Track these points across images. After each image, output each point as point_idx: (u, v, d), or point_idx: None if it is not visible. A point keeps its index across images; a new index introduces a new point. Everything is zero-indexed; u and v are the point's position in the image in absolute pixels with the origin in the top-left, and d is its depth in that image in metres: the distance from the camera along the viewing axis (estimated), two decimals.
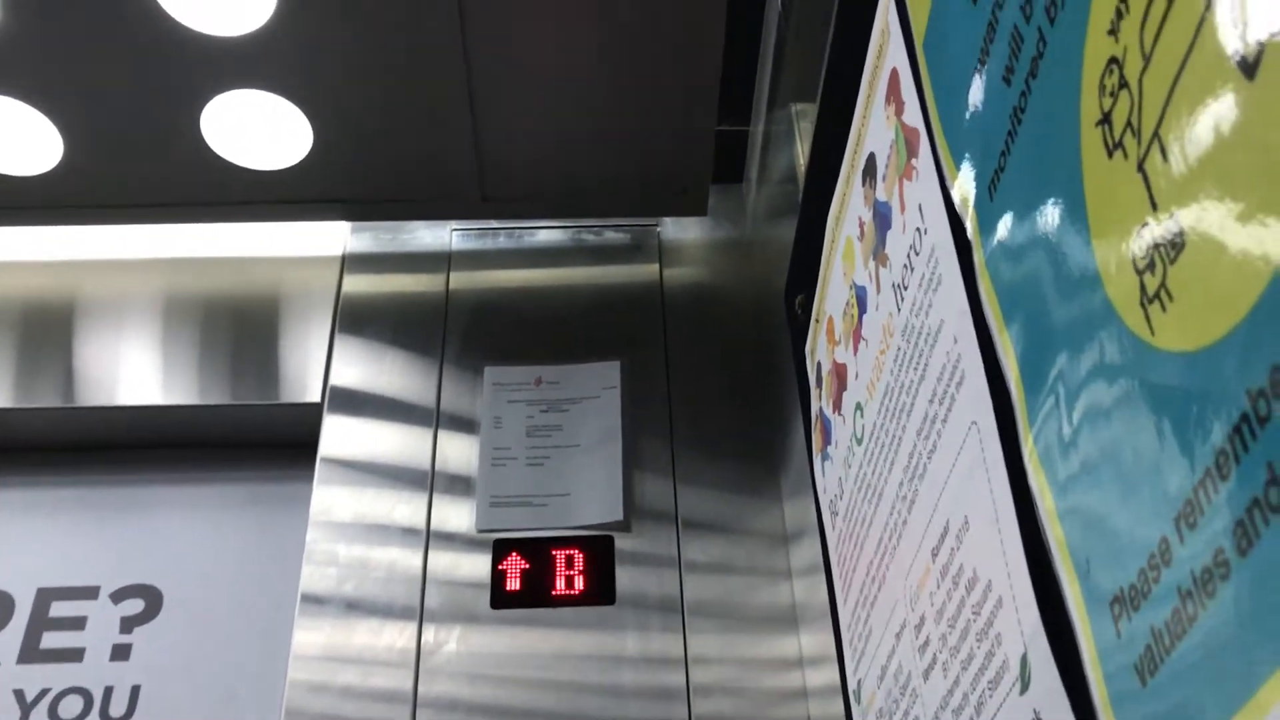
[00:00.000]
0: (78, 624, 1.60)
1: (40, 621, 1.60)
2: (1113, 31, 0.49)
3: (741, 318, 1.81)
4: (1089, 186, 0.52)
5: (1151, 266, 0.46)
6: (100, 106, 1.53)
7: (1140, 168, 0.47)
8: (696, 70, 1.54)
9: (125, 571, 1.65)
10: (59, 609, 1.61)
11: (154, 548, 1.67)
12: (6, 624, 1.60)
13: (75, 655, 1.58)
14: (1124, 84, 0.48)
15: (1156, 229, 0.45)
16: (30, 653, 1.58)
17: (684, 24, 1.48)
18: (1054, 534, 0.55)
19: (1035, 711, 0.58)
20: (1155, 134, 0.46)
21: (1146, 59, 0.46)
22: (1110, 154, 0.50)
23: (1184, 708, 0.44)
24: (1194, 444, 0.43)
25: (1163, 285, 0.45)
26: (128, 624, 1.61)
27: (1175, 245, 0.44)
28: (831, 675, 1.14)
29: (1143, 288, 0.47)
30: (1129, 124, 0.48)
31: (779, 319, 1.47)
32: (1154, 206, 0.46)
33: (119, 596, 1.63)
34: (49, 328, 1.78)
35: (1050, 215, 0.56)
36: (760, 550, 1.59)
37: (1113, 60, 0.49)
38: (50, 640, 1.59)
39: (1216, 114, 0.41)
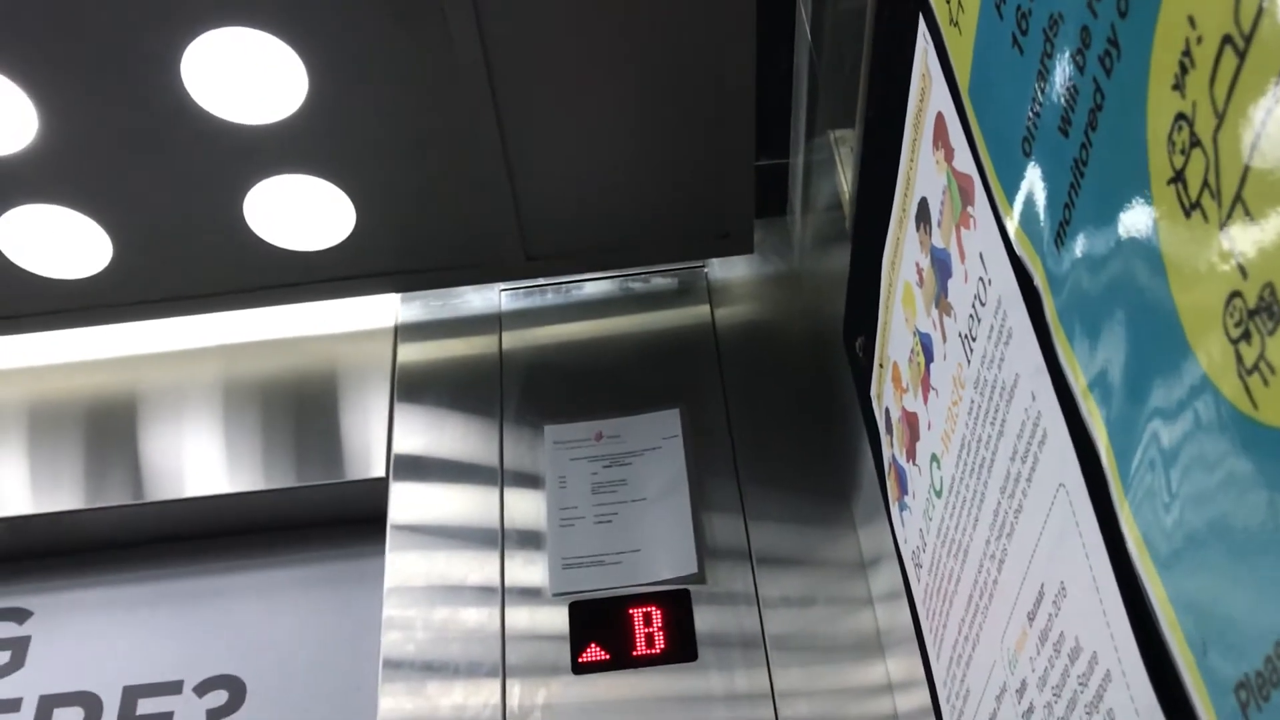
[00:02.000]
0: None
1: None
2: (1178, 86, 0.47)
3: (797, 350, 1.79)
4: (1166, 248, 0.49)
5: (1247, 336, 0.43)
6: (145, 205, 1.54)
7: (1224, 230, 0.44)
8: (730, 111, 1.52)
9: (207, 663, 1.65)
10: (145, 706, 1.62)
11: (232, 637, 1.67)
12: None
13: None
14: (1196, 142, 0.46)
15: (1249, 298, 0.43)
16: None
17: (714, 66, 1.47)
18: (1163, 611, 0.52)
19: None
20: (1238, 196, 0.43)
21: (1219, 116, 0.44)
22: (1187, 214, 0.47)
23: None
24: None
25: (1261, 357, 0.42)
26: (213, 716, 1.61)
27: (1272, 315, 0.41)
28: (921, 698, 1.12)
29: (1239, 358, 0.44)
30: (1206, 184, 0.45)
31: (836, 348, 1.45)
32: (1243, 273, 0.43)
33: (202, 689, 1.64)
34: (113, 425, 1.79)
35: (1126, 274, 0.53)
36: (838, 580, 1.57)
37: (1180, 116, 0.47)
38: None
39: None
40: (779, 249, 1.90)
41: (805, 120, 1.69)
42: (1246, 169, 0.42)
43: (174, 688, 1.64)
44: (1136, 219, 0.52)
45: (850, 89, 1.26)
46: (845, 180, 1.45)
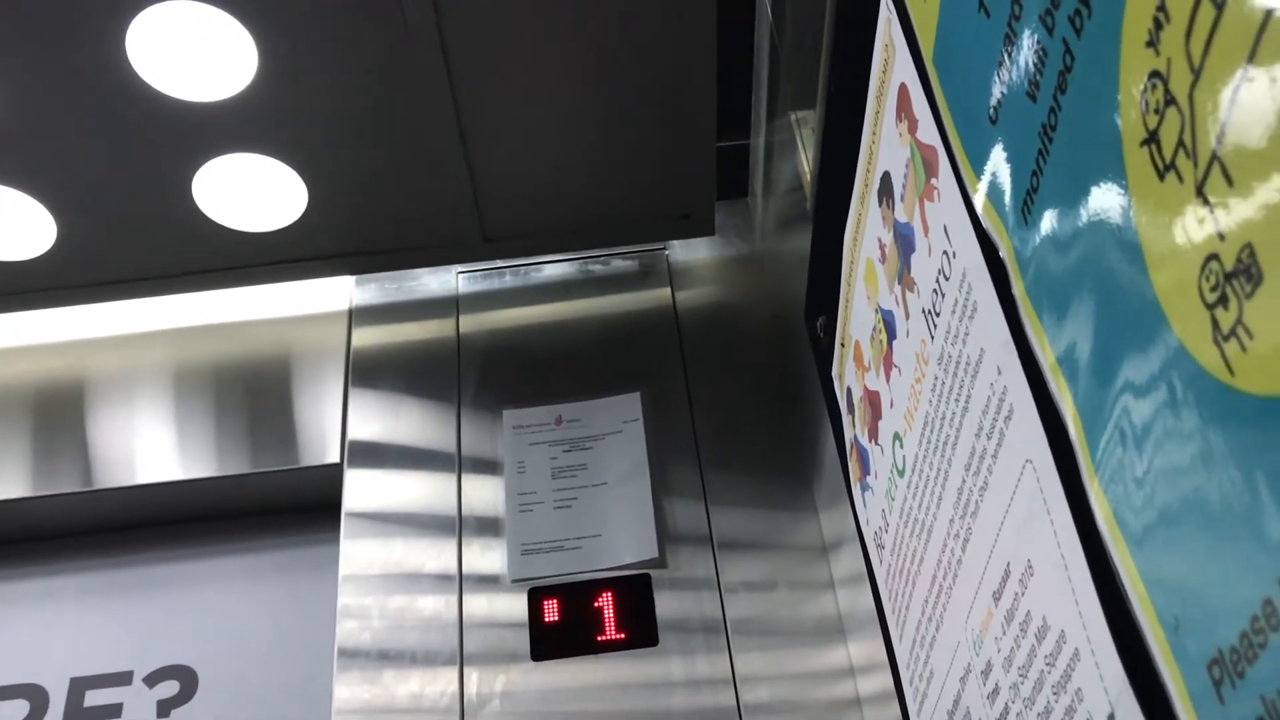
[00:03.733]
0: (113, 712, 1.57)
1: (76, 713, 1.57)
2: (1151, 43, 0.45)
3: (759, 333, 1.77)
4: (1139, 212, 0.47)
5: (1224, 301, 0.42)
6: (90, 184, 1.50)
7: (1200, 192, 0.43)
8: (691, 92, 1.50)
9: (157, 653, 1.62)
10: (93, 698, 1.58)
11: (184, 626, 1.64)
12: (43, 718, 1.57)
13: None
14: (1170, 100, 0.44)
15: (1226, 260, 0.41)
16: None
17: (674, 46, 1.44)
18: (1133, 587, 0.51)
19: None
20: (1215, 155, 0.41)
21: (1196, 72, 0.42)
22: (1161, 176, 0.45)
23: None
24: None
25: (1239, 322, 0.41)
26: (164, 707, 1.57)
27: (1251, 278, 0.40)
28: (883, 682, 1.11)
29: (1215, 324, 0.42)
30: (1181, 144, 0.44)
31: (797, 330, 1.43)
32: (1220, 235, 0.41)
33: (153, 680, 1.60)
34: (62, 410, 1.75)
35: (1097, 242, 0.51)
36: (800, 564, 1.56)
37: (1154, 74, 0.45)
38: None
39: None
40: (740, 231, 1.89)
41: (766, 101, 1.67)
42: (1224, 127, 0.41)
43: (124, 678, 1.60)
44: (1107, 184, 0.50)
45: (811, 69, 1.24)
46: (807, 162, 1.44)
